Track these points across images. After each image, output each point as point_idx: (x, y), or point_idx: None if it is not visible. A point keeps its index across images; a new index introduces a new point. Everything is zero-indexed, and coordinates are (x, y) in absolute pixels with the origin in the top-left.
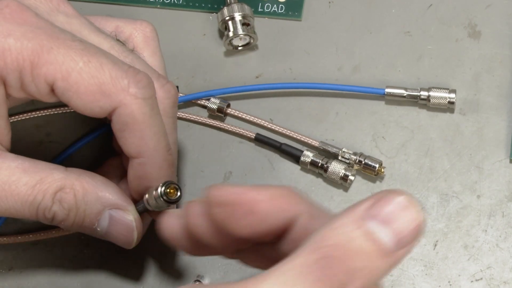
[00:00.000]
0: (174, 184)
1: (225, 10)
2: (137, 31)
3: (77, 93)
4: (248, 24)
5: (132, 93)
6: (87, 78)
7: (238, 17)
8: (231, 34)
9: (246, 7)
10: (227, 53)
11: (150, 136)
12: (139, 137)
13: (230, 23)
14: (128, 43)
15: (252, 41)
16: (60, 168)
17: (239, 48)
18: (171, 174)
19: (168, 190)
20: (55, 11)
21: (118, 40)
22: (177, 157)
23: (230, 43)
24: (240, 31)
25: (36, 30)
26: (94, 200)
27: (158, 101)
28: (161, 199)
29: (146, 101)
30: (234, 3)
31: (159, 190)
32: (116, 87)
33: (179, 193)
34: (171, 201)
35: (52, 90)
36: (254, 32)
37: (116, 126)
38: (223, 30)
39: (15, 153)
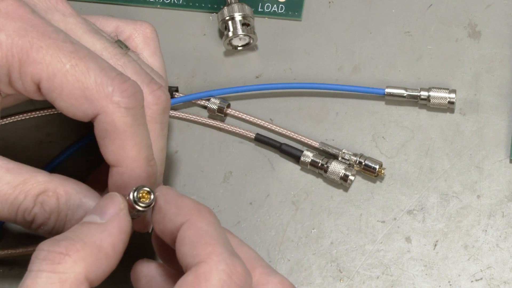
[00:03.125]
0: (143, 188)
1: (225, 10)
2: (137, 31)
3: (61, 95)
4: (248, 24)
5: (115, 101)
6: (72, 81)
7: (238, 17)
8: (231, 34)
9: (246, 7)
10: (227, 53)
11: (130, 146)
12: (119, 146)
13: (230, 23)
14: (128, 44)
15: (251, 41)
16: (44, 172)
17: (239, 48)
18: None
19: (139, 195)
20: (52, 9)
21: (118, 40)
22: (165, 164)
23: (230, 43)
24: (240, 31)
25: (29, 27)
26: (76, 206)
27: (146, 107)
28: (136, 205)
29: (129, 111)
30: (234, 3)
31: (131, 195)
32: (99, 94)
33: (152, 196)
34: (146, 205)
35: (39, 89)
36: (254, 32)
37: (97, 132)
38: (223, 30)
39: (14, 154)
